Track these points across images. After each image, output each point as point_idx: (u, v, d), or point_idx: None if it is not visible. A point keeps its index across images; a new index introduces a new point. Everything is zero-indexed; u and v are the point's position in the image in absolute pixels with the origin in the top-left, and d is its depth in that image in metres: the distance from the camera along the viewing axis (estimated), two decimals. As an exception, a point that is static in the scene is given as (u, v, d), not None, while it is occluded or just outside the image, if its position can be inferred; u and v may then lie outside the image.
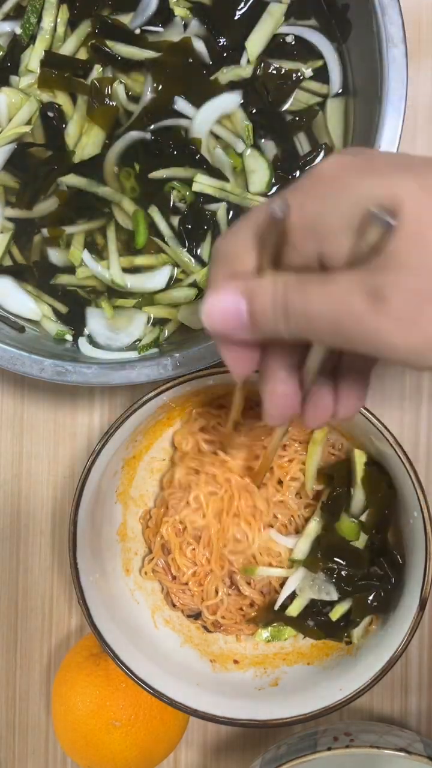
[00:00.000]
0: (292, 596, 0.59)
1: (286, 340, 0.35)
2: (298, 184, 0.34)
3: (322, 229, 0.32)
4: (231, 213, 0.59)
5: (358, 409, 0.40)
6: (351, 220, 0.31)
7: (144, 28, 0.58)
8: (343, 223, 0.31)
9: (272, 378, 0.38)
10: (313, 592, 0.58)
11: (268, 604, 0.60)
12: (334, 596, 0.58)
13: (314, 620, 0.58)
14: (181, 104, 0.57)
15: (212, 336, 0.38)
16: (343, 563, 0.56)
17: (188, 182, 0.58)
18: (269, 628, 0.60)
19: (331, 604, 0.58)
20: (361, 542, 0.57)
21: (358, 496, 0.58)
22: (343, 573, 0.56)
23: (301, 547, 0.58)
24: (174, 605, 0.61)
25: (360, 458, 0.57)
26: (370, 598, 0.57)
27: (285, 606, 0.59)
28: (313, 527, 0.58)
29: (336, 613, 0.58)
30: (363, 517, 0.58)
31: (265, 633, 0.60)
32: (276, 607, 0.59)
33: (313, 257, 0.33)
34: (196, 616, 0.62)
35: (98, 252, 0.60)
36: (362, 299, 0.31)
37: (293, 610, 0.58)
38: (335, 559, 0.56)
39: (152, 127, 0.58)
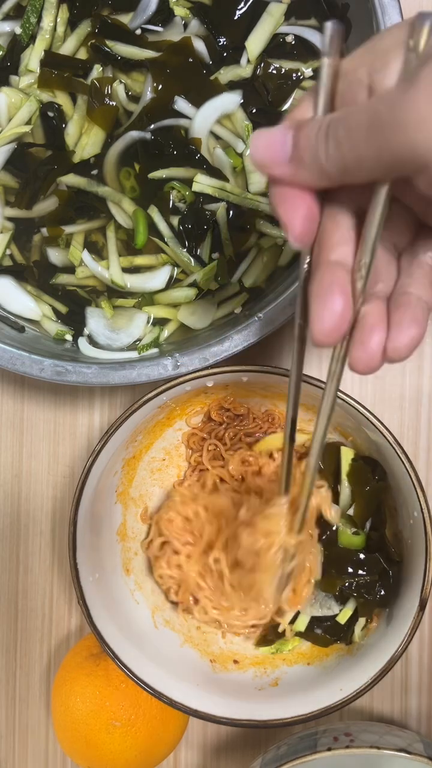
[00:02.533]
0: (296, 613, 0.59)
1: (328, 173, 0.33)
2: None
3: (373, 52, 0.32)
4: (231, 213, 0.59)
5: (414, 342, 0.35)
6: (400, 41, 0.32)
7: (144, 27, 0.58)
8: (393, 44, 0.32)
9: (323, 271, 0.35)
10: (315, 609, 0.58)
11: (269, 626, 0.60)
12: (336, 610, 0.58)
13: (321, 627, 0.59)
14: (181, 104, 0.57)
15: (262, 173, 0.36)
16: (359, 572, 0.56)
17: (188, 182, 0.58)
18: (272, 646, 0.60)
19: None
20: (359, 541, 0.57)
21: (345, 491, 0.58)
22: (362, 581, 0.57)
23: (315, 570, 0.58)
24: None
25: (347, 455, 0.58)
26: (373, 594, 0.57)
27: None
28: (317, 551, 0.58)
29: (344, 617, 0.58)
30: (350, 511, 0.58)
31: (270, 648, 0.60)
32: (280, 630, 0.59)
33: (363, 86, 0.33)
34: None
35: (98, 252, 0.60)
36: (398, 89, 0.30)
37: (299, 625, 0.59)
38: (348, 570, 0.57)
39: (152, 126, 0.58)
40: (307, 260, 0.37)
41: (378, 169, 0.32)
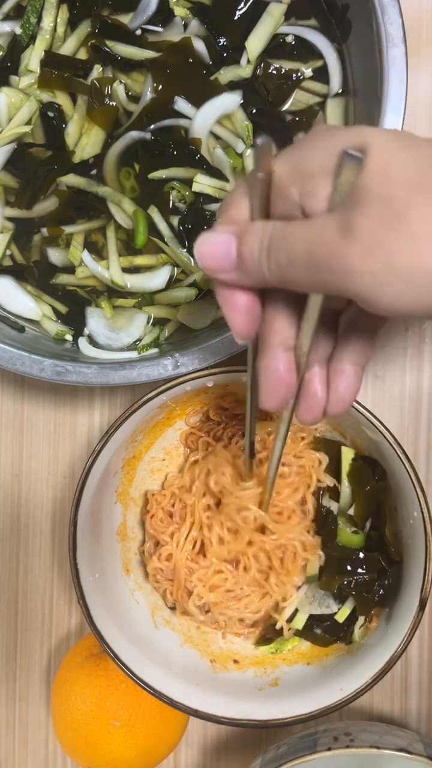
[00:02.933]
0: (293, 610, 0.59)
1: (269, 282, 0.37)
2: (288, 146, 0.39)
3: (304, 173, 0.35)
4: (231, 213, 0.59)
5: (348, 403, 0.41)
6: (328, 164, 0.34)
7: (144, 27, 0.58)
8: (322, 166, 0.35)
9: (268, 352, 0.40)
10: (313, 607, 0.58)
11: (268, 624, 0.60)
12: (334, 608, 0.58)
13: (320, 627, 0.59)
14: (181, 104, 0.57)
15: (208, 275, 0.39)
16: (358, 571, 0.56)
17: (188, 182, 0.58)
18: (272, 645, 0.60)
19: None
20: (358, 540, 0.57)
21: (345, 491, 0.58)
22: (362, 579, 0.57)
23: (312, 563, 0.58)
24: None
25: (347, 455, 0.58)
26: (372, 593, 0.57)
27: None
28: (316, 544, 0.58)
29: (342, 615, 0.58)
30: (351, 511, 0.58)
31: (269, 648, 0.60)
32: (277, 627, 0.59)
33: (296, 203, 0.36)
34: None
35: (98, 252, 0.60)
36: (334, 232, 0.33)
37: (297, 623, 0.59)
38: (347, 569, 0.57)
39: (152, 127, 0.58)
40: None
41: (315, 290, 0.36)
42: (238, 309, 0.39)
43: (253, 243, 0.36)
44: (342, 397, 0.41)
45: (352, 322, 0.40)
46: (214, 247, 0.37)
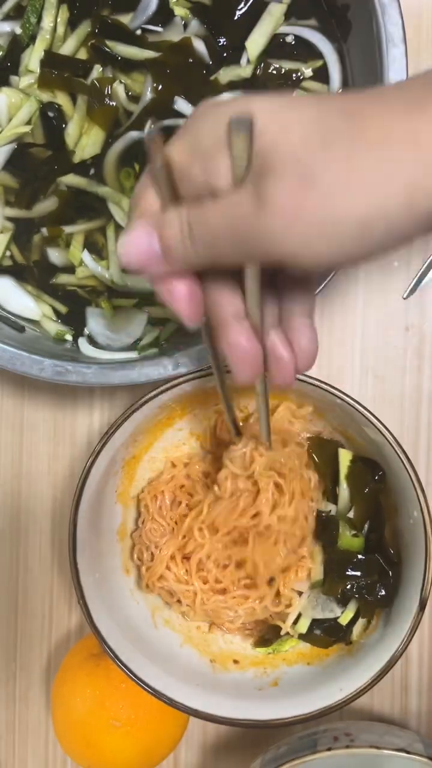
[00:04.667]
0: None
1: (201, 265, 0.37)
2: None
3: (200, 150, 0.36)
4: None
5: (314, 356, 0.42)
6: (221, 136, 0.35)
7: (144, 27, 0.58)
8: (216, 140, 0.35)
9: (225, 329, 0.40)
10: (317, 612, 0.58)
11: (268, 626, 0.60)
12: (338, 612, 0.58)
13: (321, 628, 0.59)
14: (181, 104, 0.57)
15: (139, 274, 0.40)
16: (359, 574, 0.56)
17: (188, 182, 0.58)
18: (270, 646, 0.60)
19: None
20: (359, 543, 0.57)
21: (344, 493, 0.58)
22: (363, 582, 0.57)
23: (316, 570, 0.58)
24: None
25: (345, 457, 0.57)
26: (374, 595, 0.57)
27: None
28: (317, 551, 0.58)
29: (345, 618, 0.58)
30: (350, 514, 0.58)
31: (267, 648, 0.60)
32: (282, 633, 0.59)
33: (202, 182, 0.36)
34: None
35: (98, 252, 0.60)
36: (250, 206, 0.34)
37: (301, 627, 0.59)
38: (348, 573, 0.57)
39: (152, 127, 0.58)
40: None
41: (247, 262, 0.37)
42: (180, 297, 0.39)
43: (174, 233, 0.37)
44: (307, 351, 0.42)
45: (289, 277, 0.41)
46: (135, 247, 0.38)
